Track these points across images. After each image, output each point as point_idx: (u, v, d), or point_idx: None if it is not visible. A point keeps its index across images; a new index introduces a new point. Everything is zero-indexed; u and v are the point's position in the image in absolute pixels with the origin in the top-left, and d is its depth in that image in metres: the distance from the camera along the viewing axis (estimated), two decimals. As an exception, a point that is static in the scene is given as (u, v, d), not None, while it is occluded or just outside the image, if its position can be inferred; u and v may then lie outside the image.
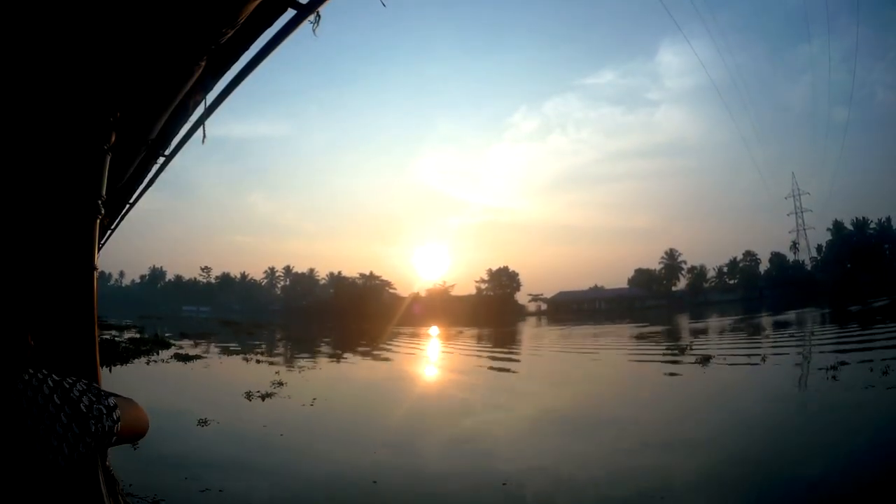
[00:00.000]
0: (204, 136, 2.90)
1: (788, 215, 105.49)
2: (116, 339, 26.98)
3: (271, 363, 20.51)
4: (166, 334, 34.33)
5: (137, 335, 31.06)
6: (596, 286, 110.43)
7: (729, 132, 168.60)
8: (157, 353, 21.89)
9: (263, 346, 30.67)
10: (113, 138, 2.51)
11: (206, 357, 22.01)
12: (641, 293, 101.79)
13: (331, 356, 25.46)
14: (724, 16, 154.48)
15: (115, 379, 14.74)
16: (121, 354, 20.38)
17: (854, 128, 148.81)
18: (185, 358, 20.77)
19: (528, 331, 48.95)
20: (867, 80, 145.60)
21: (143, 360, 20.03)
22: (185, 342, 29.42)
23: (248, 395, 12.27)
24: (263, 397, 12.16)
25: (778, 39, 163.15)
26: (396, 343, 33.20)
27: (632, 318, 56.53)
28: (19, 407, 1.05)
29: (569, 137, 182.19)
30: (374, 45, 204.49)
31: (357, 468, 6.92)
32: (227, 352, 25.69)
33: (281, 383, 14.01)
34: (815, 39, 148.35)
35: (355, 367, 21.39)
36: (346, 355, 25.50)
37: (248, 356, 22.98)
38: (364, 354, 26.13)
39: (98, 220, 2.48)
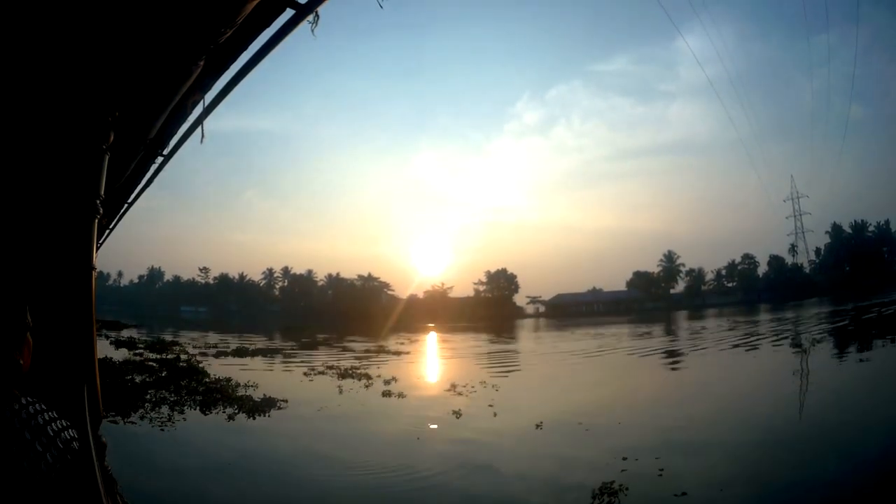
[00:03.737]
0: (202, 136, 2.91)
1: (787, 218, 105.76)
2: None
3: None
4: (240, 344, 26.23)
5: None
6: (594, 288, 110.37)
7: (733, 131, 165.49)
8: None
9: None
10: (111, 138, 2.51)
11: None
12: (640, 295, 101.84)
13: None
14: (728, 12, 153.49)
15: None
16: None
17: (853, 130, 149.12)
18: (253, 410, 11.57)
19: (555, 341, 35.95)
20: (870, 81, 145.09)
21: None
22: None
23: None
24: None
25: (781, 37, 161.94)
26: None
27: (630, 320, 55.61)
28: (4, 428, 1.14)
29: (573, 131, 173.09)
30: (372, 37, 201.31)
31: None
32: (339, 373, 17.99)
33: (615, 491, 6.40)
34: (817, 38, 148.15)
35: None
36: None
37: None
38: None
39: (96, 220, 2.48)
